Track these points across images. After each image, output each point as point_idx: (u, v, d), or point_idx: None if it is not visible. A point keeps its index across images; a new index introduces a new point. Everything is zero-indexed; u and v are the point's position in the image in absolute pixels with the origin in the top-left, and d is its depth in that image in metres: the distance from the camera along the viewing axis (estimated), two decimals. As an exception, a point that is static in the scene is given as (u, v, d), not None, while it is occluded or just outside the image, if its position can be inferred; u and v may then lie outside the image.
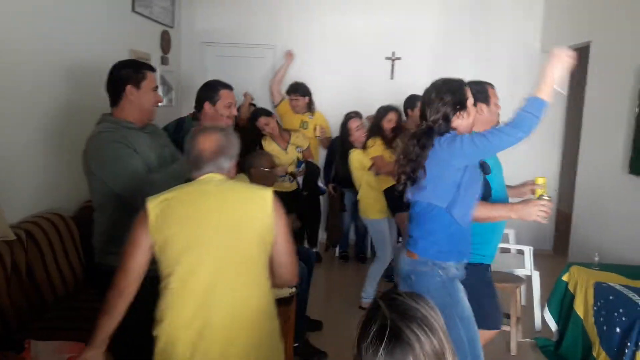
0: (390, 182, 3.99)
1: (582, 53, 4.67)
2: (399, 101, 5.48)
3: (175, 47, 5.32)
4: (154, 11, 4.73)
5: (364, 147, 4.02)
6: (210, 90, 2.82)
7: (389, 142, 4.03)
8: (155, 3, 4.77)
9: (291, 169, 4.43)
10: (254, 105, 5.18)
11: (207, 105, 2.80)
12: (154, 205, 1.67)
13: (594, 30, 4.35)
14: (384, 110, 4.11)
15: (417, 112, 3.38)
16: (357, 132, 4.03)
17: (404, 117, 4.36)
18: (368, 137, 4.04)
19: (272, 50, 5.66)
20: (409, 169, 2.18)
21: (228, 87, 2.85)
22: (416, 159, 2.15)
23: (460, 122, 2.20)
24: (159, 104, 2.37)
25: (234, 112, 2.86)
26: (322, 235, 5.60)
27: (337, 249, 5.45)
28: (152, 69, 2.33)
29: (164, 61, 5.04)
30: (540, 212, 2.14)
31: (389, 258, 4.07)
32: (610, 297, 2.83)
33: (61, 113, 3.28)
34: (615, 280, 2.97)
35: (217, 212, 1.69)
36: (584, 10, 4.56)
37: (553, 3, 5.30)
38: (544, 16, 5.46)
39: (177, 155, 2.37)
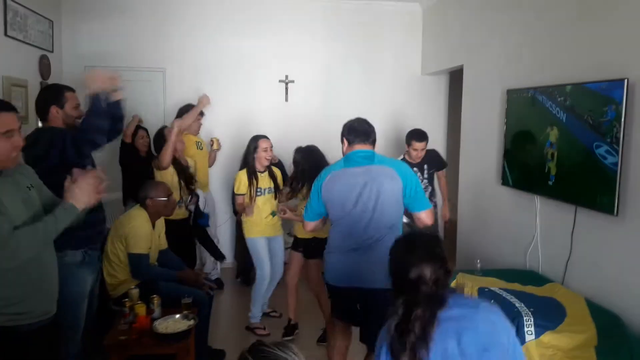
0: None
1: (458, 75, 5.10)
2: (294, 124, 5.61)
3: (56, 72, 5.02)
4: (29, 35, 4.43)
5: (260, 171, 4.01)
6: (56, 94, 2.71)
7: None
8: (31, 26, 4.47)
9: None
10: (143, 128, 5.00)
11: (54, 109, 2.67)
12: None
13: (466, 54, 4.76)
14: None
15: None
16: (263, 153, 3.97)
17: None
18: (272, 164, 4.01)
19: (162, 74, 5.54)
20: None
21: (72, 89, 2.79)
22: None
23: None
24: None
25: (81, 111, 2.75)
26: (231, 261, 5.55)
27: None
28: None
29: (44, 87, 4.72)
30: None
31: (267, 276, 4.04)
32: (492, 301, 3.06)
33: None
34: (496, 285, 3.19)
35: None
36: (457, 36, 4.98)
37: (430, 30, 5.72)
38: (422, 42, 5.88)
39: (51, 198, 2.10)
